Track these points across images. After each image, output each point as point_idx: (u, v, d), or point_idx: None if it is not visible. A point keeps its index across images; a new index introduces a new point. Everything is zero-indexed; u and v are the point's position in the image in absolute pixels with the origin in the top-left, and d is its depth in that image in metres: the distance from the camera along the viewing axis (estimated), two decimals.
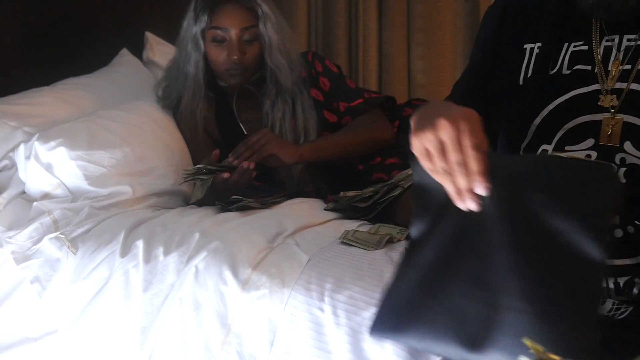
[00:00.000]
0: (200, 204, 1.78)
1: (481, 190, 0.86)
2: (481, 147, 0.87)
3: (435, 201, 0.93)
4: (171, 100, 2.01)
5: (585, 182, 0.84)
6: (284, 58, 1.94)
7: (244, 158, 1.78)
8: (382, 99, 2.03)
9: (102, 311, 1.56)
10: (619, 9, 0.97)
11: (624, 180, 0.97)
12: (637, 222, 0.96)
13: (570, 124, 1.02)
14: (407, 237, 1.52)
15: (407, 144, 2.04)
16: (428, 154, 0.89)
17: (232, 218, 1.64)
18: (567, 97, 1.03)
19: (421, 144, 0.90)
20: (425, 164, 0.90)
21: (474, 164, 0.85)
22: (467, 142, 0.86)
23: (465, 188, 0.87)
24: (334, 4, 2.88)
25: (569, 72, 1.04)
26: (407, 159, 2.01)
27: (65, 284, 1.63)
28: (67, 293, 1.62)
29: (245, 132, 2.01)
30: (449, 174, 0.87)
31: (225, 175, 1.74)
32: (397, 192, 1.68)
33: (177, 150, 1.95)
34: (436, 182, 0.90)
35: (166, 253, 1.55)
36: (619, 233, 0.97)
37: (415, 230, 0.97)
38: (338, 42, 2.90)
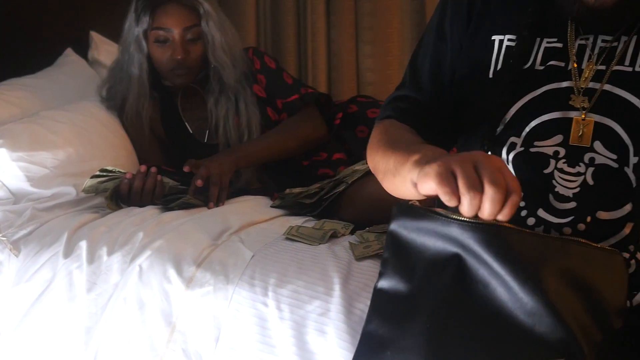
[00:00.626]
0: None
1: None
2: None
3: (417, 261, 0.91)
4: (116, 101, 2.00)
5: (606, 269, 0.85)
6: (227, 56, 1.95)
7: (222, 199, 1.76)
8: (317, 95, 2.04)
9: (46, 313, 1.54)
10: (614, 21, 0.98)
11: (592, 182, 0.98)
12: (595, 217, 0.98)
13: (540, 119, 1.03)
14: (352, 232, 1.55)
15: (353, 140, 2.06)
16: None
17: (177, 217, 1.64)
18: (539, 92, 1.03)
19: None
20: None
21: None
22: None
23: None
24: (282, 2, 2.89)
25: (542, 67, 1.04)
26: (353, 155, 2.04)
27: (7, 287, 1.61)
28: (9, 296, 1.60)
29: (191, 131, 2.01)
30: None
31: (128, 175, 1.71)
32: (341, 188, 1.70)
33: (122, 150, 1.94)
34: (423, 241, 0.89)
35: (110, 253, 1.54)
36: (580, 227, 0.98)
37: (386, 283, 0.93)
38: (287, 40, 2.91)
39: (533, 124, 1.03)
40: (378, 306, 0.93)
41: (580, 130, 0.99)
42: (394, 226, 0.94)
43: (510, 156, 1.04)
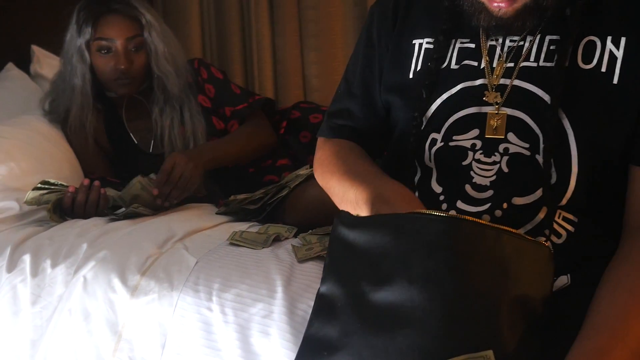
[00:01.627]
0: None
1: None
2: None
3: (356, 266, 0.97)
4: (59, 114, 2.00)
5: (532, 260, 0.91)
6: (170, 65, 1.96)
7: (173, 198, 1.77)
8: (263, 101, 2.07)
9: None
10: (516, 32, 1.06)
11: (506, 170, 1.04)
12: (510, 203, 1.03)
13: (457, 115, 1.09)
14: (296, 235, 1.58)
15: (297, 145, 2.10)
16: None
17: (122, 227, 1.64)
18: (456, 90, 1.10)
19: None
20: None
21: None
22: None
23: None
24: (226, 12, 2.91)
25: (457, 66, 1.11)
26: (297, 160, 2.08)
27: None
28: None
29: (136, 142, 2.01)
30: None
31: (70, 189, 1.71)
32: (284, 192, 1.73)
33: (65, 163, 1.94)
34: (362, 247, 0.96)
35: (54, 265, 1.54)
36: (498, 213, 1.04)
37: (326, 288, 0.99)
38: (233, 49, 2.93)
39: (451, 120, 1.09)
40: (318, 310, 0.99)
41: (495, 123, 1.05)
42: (335, 233, 1.00)
43: (432, 151, 1.10)
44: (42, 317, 1.51)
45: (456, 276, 0.89)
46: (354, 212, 1.07)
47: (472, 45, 1.11)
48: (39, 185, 1.73)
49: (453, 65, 1.11)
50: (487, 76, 1.08)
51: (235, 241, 1.53)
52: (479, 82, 1.08)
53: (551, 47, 1.05)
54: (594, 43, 1.02)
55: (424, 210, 0.95)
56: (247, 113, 2.02)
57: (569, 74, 1.01)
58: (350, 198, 1.10)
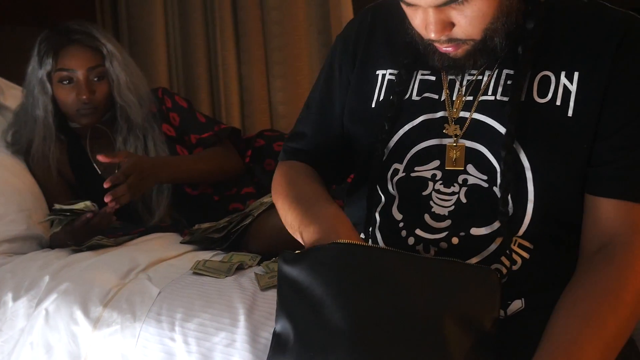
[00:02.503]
0: (54, 244, 1.77)
1: None
2: None
3: (302, 304, 1.00)
4: (21, 146, 1.99)
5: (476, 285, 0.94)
6: (133, 95, 1.97)
7: (118, 194, 1.77)
8: (229, 130, 2.09)
9: None
10: (470, 69, 1.08)
11: (465, 201, 1.06)
12: (464, 234, 1.05)
13: (419, 147, 1.11)
14: (260, 263, 1.58)
15: (261, 173, 2.12)
16: None
17: (85, 258, 1.64)
18: (417, 122, 1.12)
19: None
20: None
21: None
22: None
23: None
24: (192, 40, 2.93)
25: (418, 98, 1.13)
26: (262, 187, 2.09)
27: None
28: None
29: (100, 172, 2.01)
30: None
31: (89, 215, 1.74)
32: (248, 220, 1.73)
33: (28, 195, 1.92)
34: (306, 284, 1.00)
35: (15, 298, 1.53)
36: (454, 240, 1.05)
37: (279, 326, 1.02)
38: (199, 77, 2.95)
39: (413, 151, 1.11)
40: (274, 348, 1.02)
41: (454, 155, 1.08)
42: (281, 272, 1.03)
43: (394, 181, 1.12)
44: (2, 352, 1.49)
45: (397, 304, 0.94)
46: (292, 234, 1.14)
47: (433, 78, 1.13)
48: (64, 207, 1.76)
49: (414, 97, 1.13)
50: (447, 109, 1.10)
51: (199, 270, 1.53)
52: (439, 114, 1.10)
53: (508, 82, 1.07)
54: (548, 78, 1.05)
55: (360, 242, 1.01)
56: (213, 141, 2.03)
57: (525, 108, 1.04)
58: (289, 222, 1.16)
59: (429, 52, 1.08)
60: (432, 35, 1.01)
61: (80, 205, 1.80)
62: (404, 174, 1.11)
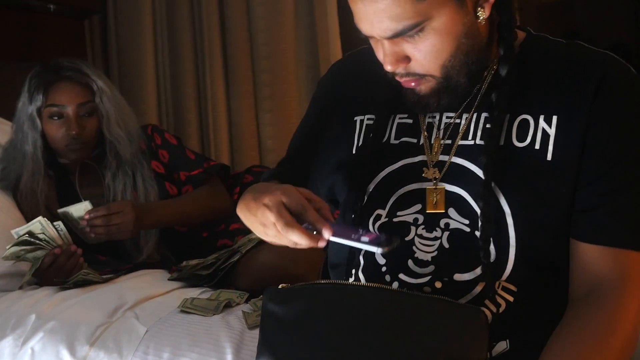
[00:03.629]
0: (37, 283, 1.76)
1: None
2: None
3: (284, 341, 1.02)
4: (9, 181, 1.99)
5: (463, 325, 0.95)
6: (122, 130, 1.98)
7: (97, 232, 1.79)
8: (219, 167, 2.10)
9: None
10: (434, 109, 1.07)
11: (447, 246, 1.06)
12: (447, 279, 1.05)
13: (401, 191, 1.10)
14: (247, 300, 1.58)
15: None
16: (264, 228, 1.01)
17: (72, 296, 1.63)
18: (397, 167, 1.11)
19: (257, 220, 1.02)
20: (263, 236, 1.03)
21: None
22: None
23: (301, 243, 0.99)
24: (182, 75, 2.95)
25: (397, 142, 1.13)
26: None
27: None
28: None
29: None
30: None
31: (56, 250, 1.73)
32: (236, 257, 1.73)
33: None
34: (289, 320, 1.01)
35: (1, 338, 1.52)
36: (437, 284, 1.05)
37: None
38: (188, 112, 2.97)
39: (395, 196, 1.10)
40: None
41: (434, 199, 1.07)
42: (265, 309, 1.03)
43: (376, 226, 1.11)
44: None
45: (386, 344, 0.94)
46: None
47: (410, 121, 1.13)
48: (25, 238, 1.72)
49: (392, 140, 1.13)
50: (426, 153, 1.10)
51: (186, 308, 1.53)
52: (418, 158, 1.10)
53: (487, 125, 1.07)
54: (527, 121, 1.05)
55: (344, 282, 1.03)
56: (202, 178, 2.04)
57: (504, 152, 1.04)
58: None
59: (400, 86, 1.08)
60: (388, 68, 1.02)
61: (37, 227, 1.78)
62: (386, 219, 1.11)
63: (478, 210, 1.04)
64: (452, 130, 1.10)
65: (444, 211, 1.07)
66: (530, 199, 1.03)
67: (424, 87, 1.04)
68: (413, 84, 1.04)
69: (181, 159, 2.07)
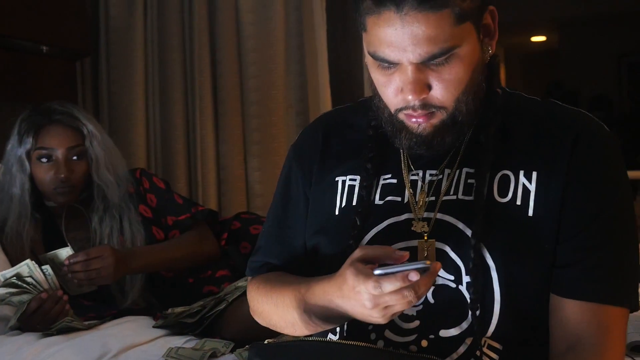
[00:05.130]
0: (20, 328, 1.74)
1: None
2: None
3: None
4: None
5: None
6: (111, 175, 1.98)
7: (77, 277, 1.78)
8: (206, 212, 2.10)
9: None
10: (438, 147, 1.07)
11: (432, 301, 1.05)
12: (433, 336, 1.04)
13: None
14: (232, 350, 1.57)
15: (237, 256, 2.10)
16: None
17: (55, 343, 1.61)
18: (383, 226, 1.10)
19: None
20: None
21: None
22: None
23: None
24: (171, 118, 2.97)
25: (382, 202, 1.12)
26: (237, 270, 2.08)
27: None
28: None
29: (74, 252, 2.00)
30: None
31: (43, 295, 1.71)
32: (222, 306, 1.72)
33: None
34: None
35: None
36: (424, 343, 1.05)
37: None
38: (177, 154, 2.97)
39: None
40: None
41: (425, 252, 1.07)
42: None
43: None
44: None
45: None
46: (290, 319, 1.09)
47: (395, 181, 1.13)
48: (13, 280, 1.71)
49: (377, 201, 1.13)
50: (412, 210, 1.10)
51: (171, 358, 1.52)
52: (404, 216, 1.11)
53: (468, 181, 1.08)
54: (508, 177, 1.07)
55: (330, 340, 1.03)
56: (189, 223, 2.04)
57: (487, 208, 1.05)
58: (284, 305, 1.11)
59: (396, 130, 1.07)
60: (410, 97, 1.01)
61: (24, 270, 1.77)
62: None
63: (461, 266, 1.05)
64: (436, 187, 1.10)
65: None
66: (514, 254, 1.04)
67: (429, 126, 1.04)
68: (422, 119, 1.04)
69: (169, 204, 2.07)
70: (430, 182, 1.11)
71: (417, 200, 1.11)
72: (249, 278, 1.25)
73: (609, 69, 7.70)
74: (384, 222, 1.11)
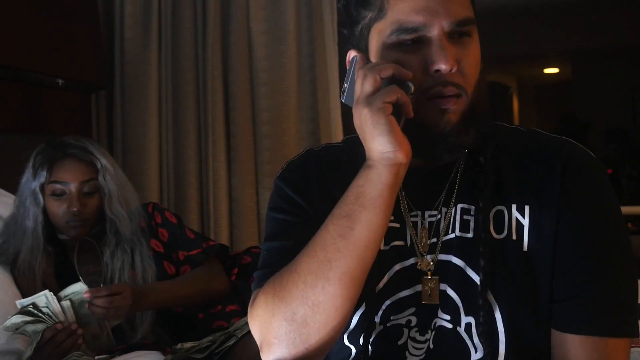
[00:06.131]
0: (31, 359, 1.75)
1: None
2: None
3: None
4: (8, 256, 1.99)
5: None
6: (123, 209, 2.00)
7: (95, 311, 1.78)
8: (217, 248, 2.10)
9: None
10: (463, 135, 1.03)
11: (432, 346, 1.04)
12: None
13: (395, 297, 1.08)
14: None
15: (247, 290, 2.10)
16: None
17: None
18: (392, 273, 1.09)
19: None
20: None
21: None
22: None
23: None
24: (184, 150, 2.99)
25: (387, 247, 1.10)
26: (247, 305, 2.08)
27: None
28: None
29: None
30: None
31: (58, 325, 1.72)
32: (232, 342, 1.72)
33: (11, 308, 1.90)
34: None
35: None
36: None
37: None
38: (189, 186, 3.00)
39: (389, 302, 1.08)
40: None
41: (429, 289, 1.07)
42: None
43: (372, 337, 1.08)
44: None
45: None
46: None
47: (397, 225, 1.11)
48: (29, 309, 1.71)
49: (382, 247, 1.10)
50: (416, 254, 1.09)
51: None
52: (410, 261, 1.09)
53: (464, 217, 1.07)
54: (502, 212, 1.06)
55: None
56: (200, 259, 2.05)
57: (489, 247, 1.04)
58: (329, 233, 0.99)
59: (431, 126, 1.02)
60: (443, 67, 0.98)
61: (42, 300, 1.78)
62: (381, 327, 1.08)
63: (460, 305, 1.04)
64: (435, 228, 1.09)
65: (438, 303, 1.06)
66: (515, 291, 1.03)
67: (458, 107, 1.02)
68: (451, 104, 1.01)
69: (180, 238, 2.08)
70: (430, 223, 1.10)
71: (419, 241, 1.10)
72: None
73: (622, 101, 7.68)
74: (393, 269, 1.09)
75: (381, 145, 0.96)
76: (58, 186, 1.96)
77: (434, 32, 1.00)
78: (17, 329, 1.75)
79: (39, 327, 1.75)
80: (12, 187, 2.19)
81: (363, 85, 0.98)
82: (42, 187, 1.97)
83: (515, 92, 9.03)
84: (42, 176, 1.96)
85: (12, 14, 2.46)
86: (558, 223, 1.03)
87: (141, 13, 3.01)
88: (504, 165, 1.08)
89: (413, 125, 1.00)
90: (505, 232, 1.05)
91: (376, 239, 0.99)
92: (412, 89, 0.99)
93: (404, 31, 1.00)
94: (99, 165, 2.00)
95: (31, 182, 1.98)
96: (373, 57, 1.06)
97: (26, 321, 1.74)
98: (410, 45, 1.01)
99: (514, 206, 1.05)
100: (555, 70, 8.65)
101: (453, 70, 1.00)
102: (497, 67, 8.12)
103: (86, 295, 1.80)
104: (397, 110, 0.97)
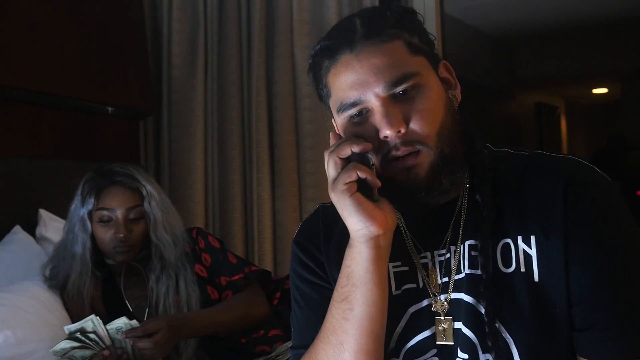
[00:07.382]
0: None
1: None
2: None
3: None
4: (58, 281, 2.05)
5: None
6: (168, 234, 2.04)
7: (146, 354, 1.80)
8: (259, 273, 2.13)
9: None
10: (437, 190, 1.04)
11: None
12: None
13: (414, 340, 1.08)
14: None
15: (289, 315, 2.11)
16: None
17: None
18: (408, 317, 1.09)
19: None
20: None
21: None
22: None
23: None
24: (229, 175, 3.04)
25: (399, 292, 1.10)
26: (290, 330, 2.09)
27: None
28: None
29: (131, 310, 2.05)
30: None
31: (105, 352, 1.76)
32: None
33: (60, 331, 1.95)
34: None
35: None
36: None
37: None
38: (234, 211, 3.04)
39: (408, 345, 1.08)
40: None
41: (443, 328, 1.06)
42: None
43: None
44: None
45: None
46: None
47: (407, 268, 1.11)
48: (77, 335, 1.76)
49: (395, 292, 1.10)
50: (429, 294, 1.09)
51: None
52: (424, 302, 1.09)
53: (472, 253, 1.06)
54: (508, 245, 1.04)
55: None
56: (242, 284, 2.07)
57: (495, 281, 1.03)
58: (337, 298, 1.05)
59: (391, 185, 1.03)
60: (388, 132, 0.99)
61: (89, 325, 1.81)
62: None
63: (477, 342, 1.03)
64: (446, 267, 1.09)
65: (452, 343, 1.05)
66: (529, 324, 1.01)
67: (421, 161, 1.02)
68: (409, 160, 1.02)
69: (223, 263, 2.11)
70: (440, 262, 1.09)
71: (430, 282, 1.09)
72: None
73: None
74: (407, 313, 1.09)
75: (353, 224, 1.00)
76: (105, 213, 2.01)
77: (372, 101, 1.01)
78: (64, 354, 1.79)
79: (87, 352, 1.79)
80: (63, 212, 2.26)
81: (327, 170, 1.02)
82: (90, 214, 2.02)
83: (563, 112, 8.91)
84: (90, 203, 2.02)
85: (66, 46, 2.54)
86: (566, 249, 1.00)
87: (188, 41, 3.08)
88: (505, 197, 1.06)
89: (388, 186, 1.03)
90: (514, 266, 1.03)
91: (377, 311, 1.03)
92: (373, 159, 1.02)
93: (347, 107, 1.03)
94: (144, 192, 2.04)
95: (80, 209, 2.03)
96: (340, 132, 1.09)
97: (74, 347, 1.79)
98: (359, 117, 1.03)
99: (519, 238, 1.04)
100: (604, 90, 8.52)
101: (402, 132, 1.01)
102: (545, 88, 8.04)
103: (122, 337, 1.82)
104: (363, 185, 1.00)
